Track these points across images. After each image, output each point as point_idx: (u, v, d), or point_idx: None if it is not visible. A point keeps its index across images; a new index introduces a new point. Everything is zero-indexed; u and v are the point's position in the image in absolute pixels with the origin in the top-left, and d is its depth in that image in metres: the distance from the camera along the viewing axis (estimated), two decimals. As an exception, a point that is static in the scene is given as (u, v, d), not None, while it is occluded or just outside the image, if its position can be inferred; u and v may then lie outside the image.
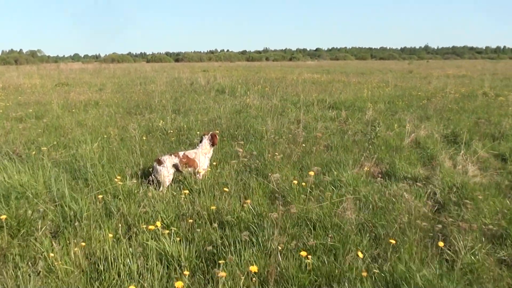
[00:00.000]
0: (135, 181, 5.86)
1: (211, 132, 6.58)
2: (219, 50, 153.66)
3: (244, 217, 4.64)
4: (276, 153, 7.04)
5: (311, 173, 5.49)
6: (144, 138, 8.86)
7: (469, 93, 17.06)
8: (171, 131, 9.70)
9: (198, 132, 9.28)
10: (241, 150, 7.39)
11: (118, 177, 5.59)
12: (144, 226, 4.35)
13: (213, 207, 4.71)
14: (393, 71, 39.60)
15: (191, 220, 4.51)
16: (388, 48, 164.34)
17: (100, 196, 5.07)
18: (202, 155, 6.31)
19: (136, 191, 5.51)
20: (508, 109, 12.64)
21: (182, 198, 5.07)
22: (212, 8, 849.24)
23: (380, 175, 6.89)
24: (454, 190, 5.75)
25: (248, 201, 4.86)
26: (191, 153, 6.32)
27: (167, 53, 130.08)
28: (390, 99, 15.55)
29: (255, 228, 4.39)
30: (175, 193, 5.52)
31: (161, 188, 5.90)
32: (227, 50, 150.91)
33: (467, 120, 11.07)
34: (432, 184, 6.07)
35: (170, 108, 13.37)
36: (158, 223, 4.24)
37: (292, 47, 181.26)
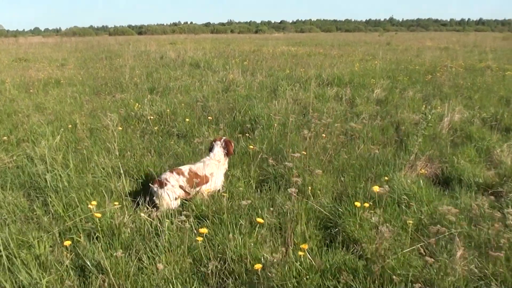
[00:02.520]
0: (117, 203, 3.97)
1: (224, 138, 4.78)
2: (182, 22, 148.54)
3: (308, 281, 2.88)
4: (304, 152, 5.30)
5: (376, 188, 3.80)
6: (120, 128, 6.96)
7: (470, 67, 15.66)
8: (152, 117, 7.79)
9: (187, 120, 7.43)
10: (252, 147, 5.66)
11: (94, 203, 3.70)
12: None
13: (258, 267, 2.88)
14: (369, 43, 37.99)
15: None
16: (353, 20, 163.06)
17: (68, 243, 3.20)
18: (216, 169, 4.52)
19: (121, 224, 3.66)
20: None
21: (199, 243, 3.24)
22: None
23: (437, 178, 5.32)
24: None
25: (305, 246, 3.10)
26: (199, 167, 4.49)
27: (129, 26, 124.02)
28: (388, 74, 13.94)
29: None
30: (179, 223, 3.73)
31: (154, 213, 4.08)
32: (191, 22, 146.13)
33: (492, 100, 9.58)
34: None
35: (144, 87, 11.41)
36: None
37: (256, 20, 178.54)
